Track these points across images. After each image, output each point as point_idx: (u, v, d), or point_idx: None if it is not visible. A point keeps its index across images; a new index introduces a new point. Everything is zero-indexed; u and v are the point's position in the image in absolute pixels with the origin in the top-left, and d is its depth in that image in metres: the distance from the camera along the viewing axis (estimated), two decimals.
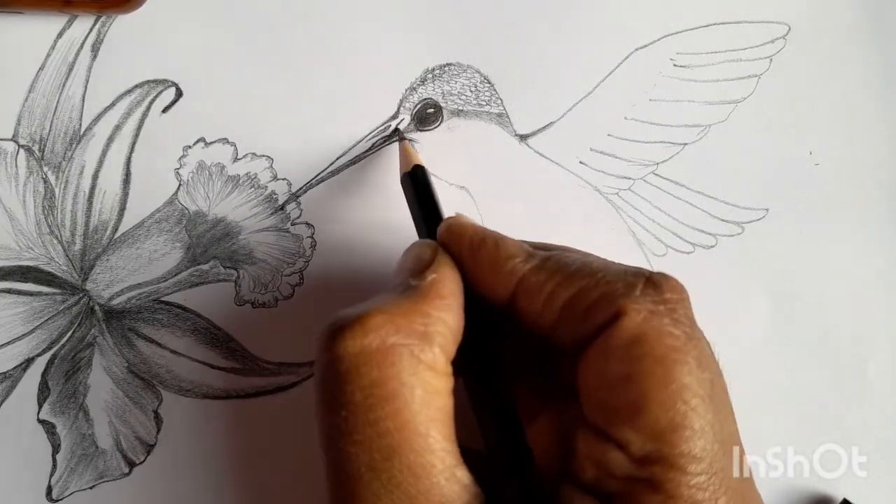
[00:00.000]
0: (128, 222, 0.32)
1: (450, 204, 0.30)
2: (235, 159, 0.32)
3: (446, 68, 0.33)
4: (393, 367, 0.21)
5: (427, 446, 0.21)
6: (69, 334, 0.31)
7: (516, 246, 0.25)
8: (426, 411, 0.21)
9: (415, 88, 0.32)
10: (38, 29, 0.31)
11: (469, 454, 0.22)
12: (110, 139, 0.31)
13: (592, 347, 0.22)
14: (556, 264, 0.24)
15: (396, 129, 0.32)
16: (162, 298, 0.32)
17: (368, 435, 0.21)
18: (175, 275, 0.32)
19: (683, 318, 0.22)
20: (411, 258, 0.25)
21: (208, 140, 0.32)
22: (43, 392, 0.31)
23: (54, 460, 0.31)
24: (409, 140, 0.32)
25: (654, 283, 0.22)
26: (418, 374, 0.21)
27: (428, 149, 0.32)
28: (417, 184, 0.29)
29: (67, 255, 0.31)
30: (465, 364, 0.24)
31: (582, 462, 0.22)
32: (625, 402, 0.21)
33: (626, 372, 0.21)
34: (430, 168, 0.32)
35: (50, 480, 0.31)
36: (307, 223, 0.32)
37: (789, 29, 0.34)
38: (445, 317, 0.23)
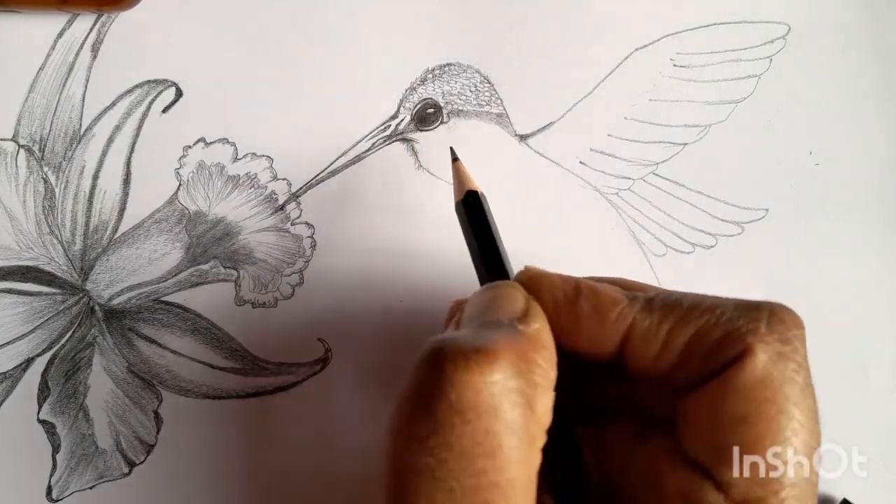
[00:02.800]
0: (128, 222, 0.32)
1: (450, 204, 0.30)
2: (235, 159, 0.32)
3: (446, 68, 0.33)
4: (510, 418, 0.19)
5: None
6: (69, 334, 0.31)
7: (614, 290, 0.23)
8: (529, 472, 0.19)
9: (415, 88, 0.32)
10: (38, 29, 0.31)
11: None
12: (110, 139, 0.31)
13: (711, 385, 0.21)
14: (664, 304, 0.22)
15: (451, 149, 0.31)
16: (162, 298, 0.32)
17: (467, 486, 0.18)
18: (175, 275, 0.32)
19: (804, 361, 0.21)
20: (502, 299, 0.23)
21: (208, 140, 0.32)
22: (43, 392, 0.31)
23: (54, 460, 0.31)
24: (411, 140, 0.32)
25: (778, 317, 0.21)
26: (529, 429, 0.19)
27: (428, 149, 0.33)
28: (471, 212, 0.27)
29: (67, 255, 0.31)
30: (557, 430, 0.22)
31: (669, 496, 0.21)
32: (737, 444, 0.20)
33: (745, 414, 0.20)
34: (430, 168, 0.32)
35: (50, 480, 0.31)
36: (307, 223, 0.32)
37: (789, 29, 0.34)
38: (550, 371, 0.21)
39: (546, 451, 0.20)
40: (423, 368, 0.19)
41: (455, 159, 0.30)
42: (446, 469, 0.18)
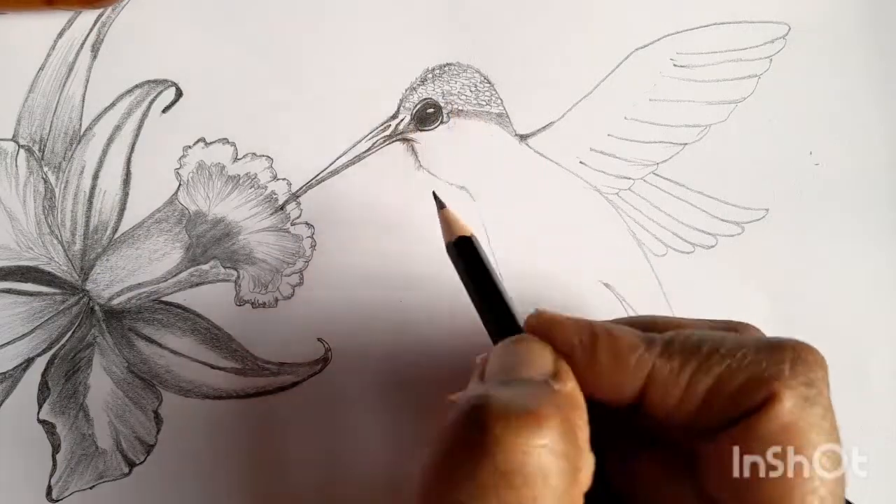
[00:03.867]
0: (128, 222, 0.32)
1: (450, 204, 0.30)
2: (235, 159, 0.32)
3: (446, 68, 0.33)
4: (556, 484, 0.18)
5: None
6: (69, 334, 0.31)
7: (631, 334, 0.22)
8: None
9: (415, 88, 0.32)
10: (38, 29, 0.31)
11: None
12: (110, 139, 0.31)
13: (735, 430, 0.21)
14: (684, 347, 0.21)
15: (434, 194, 0.29)
16: (162, 298, 0.32)
17: None
18: (175, 275, 0.32)
19: (829, 404, 0.21)
20: (530, 356, 0.22)
21: (208, 140, 0.32)
22: (43, 392, 0.31)
23: (54, 460, 0.31)
24: (411, 140, 0.32)
25: (802, 358, 0.21)
26: (572, 494, 0.19)
27: (428, 149, 0.33)
28: (466, 259, 0.26)
29: (67, 255, 0.31)
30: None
31: None
32: (761, 489, 0.20)
33: (770, 459, 0.20)
34: (430, 168, 0.32)
35: (50, 480, 0.31)
36: (307, 223, 0.32)
37: (789, 29, 0.34)
38: (587, 430, 0.20)
39: None
40: (465, 426, 0.18)
41: (441, 207, 0.28)
42: None
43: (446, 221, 0.28)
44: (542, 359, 0.22)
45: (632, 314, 0.33)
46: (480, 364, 0.24)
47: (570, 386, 0.21)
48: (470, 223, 0.28)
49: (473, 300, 0.26)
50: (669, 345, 0.22)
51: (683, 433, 0.22)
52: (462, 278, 0.27)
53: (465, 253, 0.27)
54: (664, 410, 0.22)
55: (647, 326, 0.23)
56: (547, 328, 0.23)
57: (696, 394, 0.21)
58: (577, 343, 0.22)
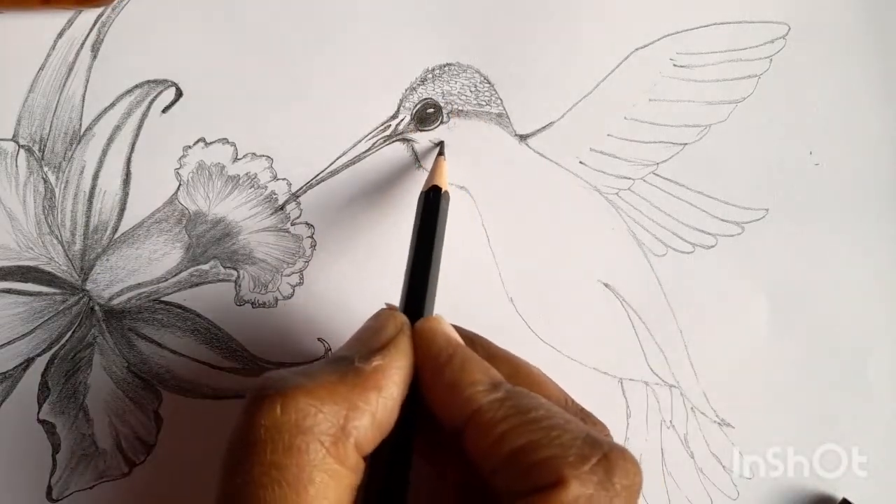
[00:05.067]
0: (128, 222, 0.32)
1: (450, 203, 0.30)
2: (235, 159, 0.32)
3: (446, 68, 0.33)
4: (298, 454, 0.20)
5: None
6: (69, 334, 0.31)
7: (482, 372, 0.23)
8: (320, 502, 0.21)
9: (415, 88, 0.32)
10: (38, 29, 0.31)
11: None
12: (110, 139, 0.31)
13: (523, 501, 0.21)
14: (516, 405, 0.22)
15: (441, 143, 0.32)
16: (162, 298, 0.32)
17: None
18: (175, 275, 0.32)
19: None
20: (372, 330, 0.24)
21: (208, 140, 0.32)
22: (43, 392, 0.31)
23: (54, 460, 0.31)
24: (411, 140, 0.32)
25: (608, 462, 0.21)
26: (323, 465, 0.21)
27: (428, 149, 0.33)
28: (427, 208, 0.28)
29: (67, 255, 0.31)
30: (383, 459, 0.23)
31: None
32: None
33: None
34: (430, 168, 0.32)
35: (50, 480, 0.31)
36: (307, 223, 0.32)
37: (789, 29, 0.34)
38: (375, 411, 0.22)
39: (371, 472, 0.22)
40: (243, 403, 0.22)
41: (440, 153, 0.31)
42: (242, 496, 0.20)
43: (437, 170, 0.30)
44: (378, 334, 0.24)
45: (632, 314, 0.33)
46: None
47: (376, 364, 0.22)
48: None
49: (410, 250, 0.28)
50: (507, 399, 0.22)
51: (491, 484, 0.22)
52: (413, 228, 0.28)
53: (428, 203, 0.28)
54: (476, 452, 0.22)
55: (534, 382, 0.25)
56: (423, 338, 0.24)
57: (501, 449, 0.21)
58: (435, 355, 0.23)
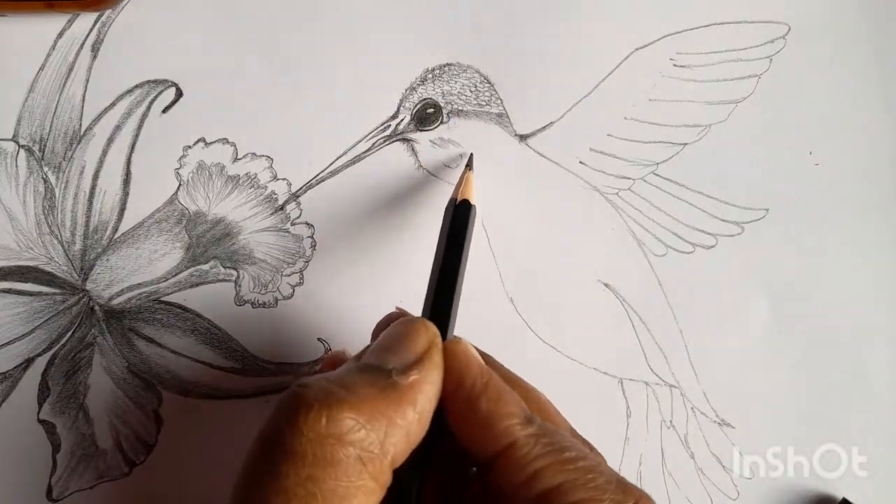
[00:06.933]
0: (128, 222, 0.32)
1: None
2: (235, 159, 0.32)
3: (446, 68, 0.33)
4: (338, 468, 0.20)
5: None
6: (69, 334, 0.31)
7: (516, 404, 0.23)
8: None
9: (415, 88, 0.32)
10: (38, 29, 0.31)
11: None
12: (110, 139, 0.31)
13: None
14: (551, 443, 0.22)
15: (471, 156, 0.32)
16: (162, 298, 0.32)
17: None
18: (175, 275, 0.32)
19: None
20: (402, 339, 0.23)
21: (208, 140, 0.32)
22: (43, 392, 0.31)
23: (54, 460, 0.31)
24: (411, 140, 0.32)
25: None
26: (359, 481, 0.20)
27: (428, 149, 0.33)
28: (457, 221, 0.28)
29: (67, 255, 0.31)
30: (404, 474, 0.23)
31: None
32: None
33: None
34: (430, 168, 0.32)
35: (50, 480, 0.31)
36: (307, 223, 0.32)
37: (789, 29, 0.34)
38: (410, 427, 0.21)
39: (394, 488, 0.22)
40: (279, 404, 0.21)
41: (469, 167, 0.31)
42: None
43: (465, 183, 0.30)
44: (410, 346, 0.23)
45: (632, 314, 0.33)
46: (376, 333, 0.25)
47: (413, 379, 0.22)
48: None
49: (434, 265, 0.27)
50: (542, 433, 0.22)
51: None
52: (440, 238, 0.28)
53: (458, 216, 0.28)
54: (508, 484, 0.22)
55: (545, 413, 0.25)
56: (456, 358, 0.24)
57: (536, 486, 0.22)
58: (469, 384, 0.23)
